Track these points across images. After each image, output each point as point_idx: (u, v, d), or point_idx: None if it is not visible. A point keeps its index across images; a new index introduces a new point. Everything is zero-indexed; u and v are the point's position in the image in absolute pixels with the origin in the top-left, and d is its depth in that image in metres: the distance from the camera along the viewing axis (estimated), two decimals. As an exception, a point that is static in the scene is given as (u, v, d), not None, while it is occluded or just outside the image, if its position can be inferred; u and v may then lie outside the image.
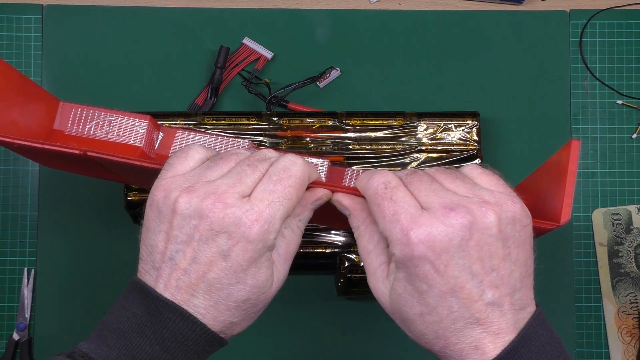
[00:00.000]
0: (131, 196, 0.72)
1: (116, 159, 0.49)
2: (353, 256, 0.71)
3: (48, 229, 0.75)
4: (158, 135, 0.60)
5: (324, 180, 0.54)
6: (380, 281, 0.44)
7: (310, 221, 0.49)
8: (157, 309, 0.42)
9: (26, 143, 0.51)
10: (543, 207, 0.47)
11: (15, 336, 0.74)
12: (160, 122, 0.73)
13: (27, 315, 0.74)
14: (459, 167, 0.48)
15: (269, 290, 0.45)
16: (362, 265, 0.46)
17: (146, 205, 0.45)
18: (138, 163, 0.48)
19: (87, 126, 0.60)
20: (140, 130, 0.59)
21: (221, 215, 0.42)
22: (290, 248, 0.47)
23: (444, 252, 0.40)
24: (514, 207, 0.42)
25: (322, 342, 0.75)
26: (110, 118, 0.59)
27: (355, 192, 0.47)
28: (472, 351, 0.41)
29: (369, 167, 0.73)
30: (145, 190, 0.72)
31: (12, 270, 0.75)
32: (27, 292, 0.74)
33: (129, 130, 0.60)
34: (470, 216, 0.40)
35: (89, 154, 0.51)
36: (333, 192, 0.48)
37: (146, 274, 0.44)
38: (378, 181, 0.43)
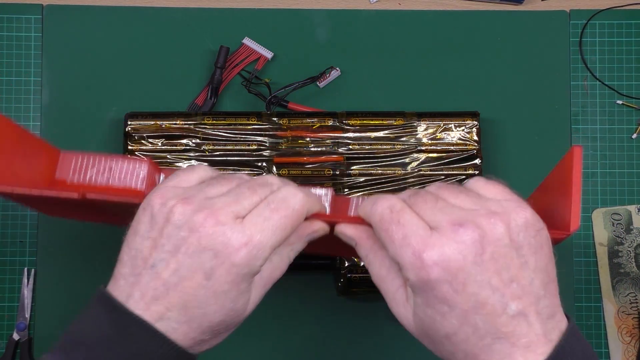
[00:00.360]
0: (131, 196, 0.72)
1: (114, 199, 0.49)
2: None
3: (48, 229, 0.75)
4: (160, 177, 0.61)
5: (328, 211, 0.54)
6: (402, 305, 0.43)
7: (318, 252, 0.48)
8: (124, 323, 0.41)
9: (25, 192, 0.51)
10: (552, 217, 0.47)
11: (15, 336, 0.74)
12: (160, 122, 0.73)
13: (27, 315, 0.74)
14: (462, 181, 0.47)
15: (243, 314, 0.44)
16: (378, 289, 0.45)
17: (139, 207, 0.44)
18: (137, 201, 0.48)
19: (89, 174, 0.60)
20: (141, 174, 0.60)
21: (211, 231, 0.41)
22: (274, 274, 0.45)
23: (459, 270, 0.39)
24: (523, 213, 0.41)
25: (322, 342, 0.75)
26: (111, 164, 0.59)
27: (358, 221, 0.45)
28: None
29: (367, 165, 0.73)
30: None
31: (12, 270, 0.75)
32: (27, 292, 0.74)
33: (129, 174, 0.60)
34: (480, 230, 0.39)
35: (88, 196, 0.50)
36: (336, 223, 0.47)
37: (121, 279, 0.43)
38: (382, 206, 0.42)
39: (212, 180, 0.45)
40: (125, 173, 0.60)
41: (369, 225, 0.44)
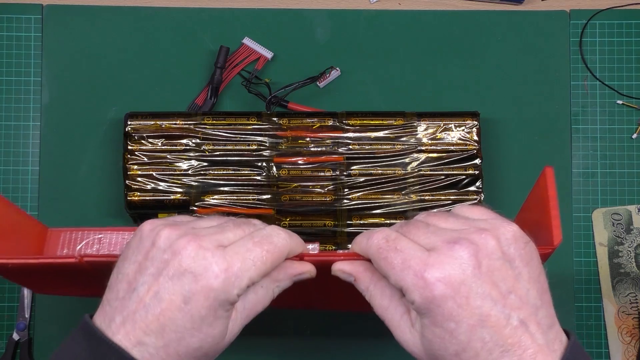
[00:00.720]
0: (131, 196, 0.72)
1: (111, 259, 0.48)
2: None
3: (48, 229, 0.75)
4: None
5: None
6: (408, 332, 0.44)
7: (317, 306, 0.47)
8: (102, 351, 0.41)
9: (22, 262, 0.50)
10: (537, 234, 0.48)
11: (15, 336, 0.74)
12: (160, 122, 0.73)
13: (27, 315, 0.74)
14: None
15: (221, 342, 0.44)
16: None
17: (132, 237, 0.45)
18: None
19: (78, 247, 0.60)
20: None
21: (192, 254, 0.42)
22: (257, 307, 0.46)
23: (461, 284, 0.40)
24: (510, 228, 0.43)
25: (322, 342, 0.75)
26: (100, 236, 0.59)
27: (353, 256, 0.46)
28: None
29: (367, 165, 0.73)
30: (146, 190, 0.72)
31: (12, 270, 0.75)
32: (27, 292, 0.75)
33: (119, 244, 0.60)
34: (474, 245, 0.41)
35: (85, 259, 0.49)
36: (329, 262, 0.47)
37: (107, 305, 0.44)
38: (377, 238, 0.43)
39: (203, 217, 0.47)
40: (114, 243, 0.60)
41: (365, 259, 0.45)
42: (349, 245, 0.52)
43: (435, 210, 0.47)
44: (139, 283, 0.42)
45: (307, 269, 0.47)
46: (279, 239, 0.45)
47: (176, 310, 0.41)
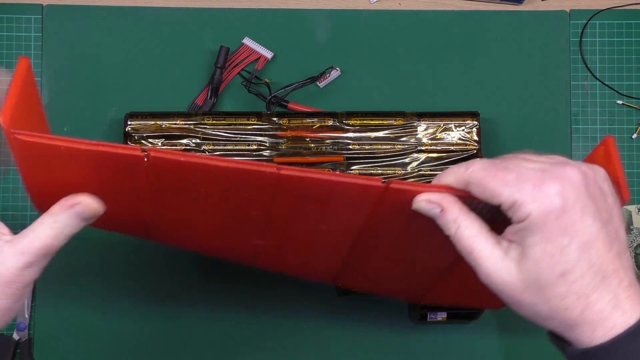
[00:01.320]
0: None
1: (183, 161, 0.43)
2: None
3: (48, 229, 0.75)
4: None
5: None
6: (500, 261, 0.42)
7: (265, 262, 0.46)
8: None
9: (75, 146, 0.45)
10: None
11: (15, 336, 0.74)
12: (160, 122, 0.73)
13: (27, 315, 0.74)
14: None
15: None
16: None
17: None
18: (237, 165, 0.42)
19: None
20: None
21: None
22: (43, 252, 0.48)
23: (576, 201, 0.40)
24: (602, 169, 0.44)
25: (322, 343, 0.75)
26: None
27: (440, 189, 0.43)
28: (613, 311, 0.41)
29: (367, 165, 0.73)
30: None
31: (12, 270, 0.75)
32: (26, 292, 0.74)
33: None
34: (580, 171, 0.42)
35: (153, 155, 0.44)
36: (413, 193, 0.44)
37: None
38: (481, 162, 0.43)
39: None
40: None
41: (452, 192, 0.44)
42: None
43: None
44: None
45: (81, 199, 0.46)
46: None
47: None
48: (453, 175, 0.44)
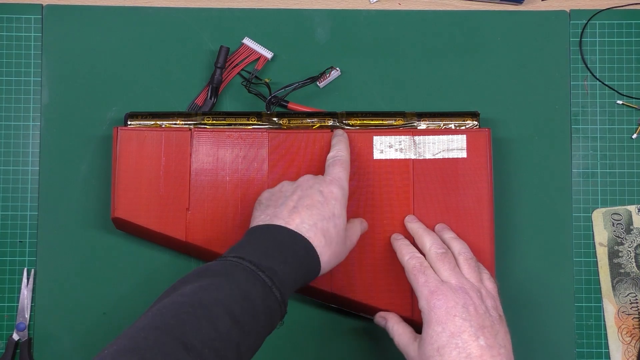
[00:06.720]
0: (131, 196, 0.72)
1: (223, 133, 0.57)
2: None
3: (48, 229, 0.75)
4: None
5: None
6: (411, 343, 0.65)
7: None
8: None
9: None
10: None
11: (15, 336, 0.74)
12: (160, 122, 0.73)
13: (27, 315, 0.74)
14: None
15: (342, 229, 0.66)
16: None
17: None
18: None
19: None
20: None
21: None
22: (352, 238, 0.69)
23: (452, 307, 0.63)
24: (492, 286, 0.67)
25: (323, 343, 0.75)
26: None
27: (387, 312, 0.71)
28: None
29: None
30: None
31: (12, 271, 0.75)
32: (27, 292, 0.74)
33: None
34: (468, 296, 0.64)
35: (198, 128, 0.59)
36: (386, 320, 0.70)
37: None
38: (414, 260, 0.67)
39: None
40: None
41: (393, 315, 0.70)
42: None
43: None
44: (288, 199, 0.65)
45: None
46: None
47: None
48: (400, 252, 0.69)
